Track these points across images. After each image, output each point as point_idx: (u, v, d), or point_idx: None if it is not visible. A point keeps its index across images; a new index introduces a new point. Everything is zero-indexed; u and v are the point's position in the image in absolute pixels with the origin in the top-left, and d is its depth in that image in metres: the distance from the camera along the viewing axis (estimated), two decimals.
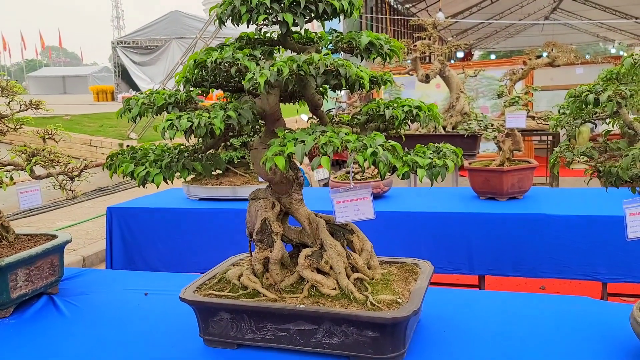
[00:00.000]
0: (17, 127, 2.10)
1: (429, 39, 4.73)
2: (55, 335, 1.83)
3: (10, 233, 2.21)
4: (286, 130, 1.49)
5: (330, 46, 1.59)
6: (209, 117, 1.37)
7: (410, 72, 4.85)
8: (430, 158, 1.46)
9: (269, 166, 1.35)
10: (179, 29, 24.88)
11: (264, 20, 1.41)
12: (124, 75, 27.47)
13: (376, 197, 3.52)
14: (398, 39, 14.93)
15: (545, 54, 6.42)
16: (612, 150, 1.34)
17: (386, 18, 12.90)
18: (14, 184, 2.12)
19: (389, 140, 1.40)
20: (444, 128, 4.72)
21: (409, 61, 5.49)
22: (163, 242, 3.75)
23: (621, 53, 33.30)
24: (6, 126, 2.14)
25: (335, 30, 1.59)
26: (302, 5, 1.39)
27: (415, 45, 4.66)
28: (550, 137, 7.23)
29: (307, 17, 1.48)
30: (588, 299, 1.88)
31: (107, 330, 1.84)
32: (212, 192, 3.73)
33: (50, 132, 2.04)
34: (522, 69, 6.30)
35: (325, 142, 1.31)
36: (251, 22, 1.47)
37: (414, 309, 1.47)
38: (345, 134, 1.38)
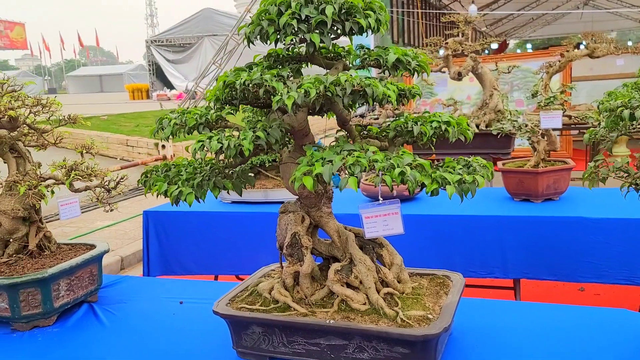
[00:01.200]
0: (57, 141, 2.17)
1: (461, 36, 4.66)
2: (96, 344, 1.90)
3: (52, 243, 2.30)
4: (314, 148, 1.50)
5: (358, 62, 1.59)
6: (238, 139, 1.40)
7: (442, 70, 4.79)
8: (459, 174, 1.45)
9: (297, 186, 1.37)
10: (211, 27, 25.17)
11: (290, 40, 1.42)
12: (158, 74, 27.98)
13: (407, 199, 3.50)
14: (430, 33, 14.72)
15: (584, 43, 6.23)
16: None
17: (418, 12, 12.74)
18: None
19: (417, 158, 1.40)
20: (477, 126, 4.65)
21: (441, 52, 5.41)
22: (197, 245, 3.83)
23: None
24: (46, 141, 2.22)
25: (363, 47, 1.59)
26: (329, 25, 1.39)
27: (447, 43, 4.59)
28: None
29: (334, 36, 1.48)
30: (626, 311, 1.84)
31: (144, 339, 1.90)
32: (244, 195, 3.75)
33: (87, 147, 2.11)
34: (559, 61, 6.14)
35: (353, 163, 1.32)
36: (279, 42, 1.48)
37: (445, 325, 1.47)
38: (373, 152, 1.39)
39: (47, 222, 2.33)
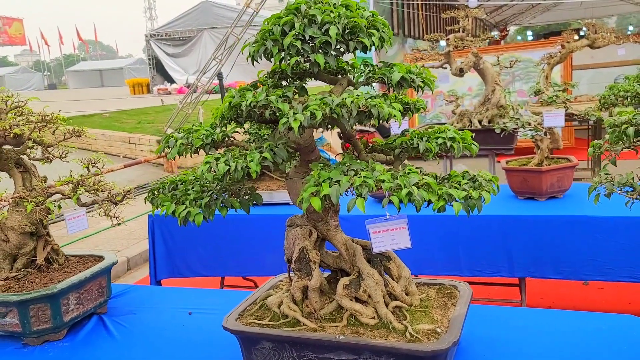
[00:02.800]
0: (63, 155, 2.18)
1: (462, 31, 4.64)
2: (107, 358, 1.92)
3: (60, 256, 2.31)
4: (321, 165, 1.51)
5: (362, 79, 1.59)
6: (245, 159, 1.40)
7: (444, 66, 4.77)
8: (465, 190, 1.46)
9: (305, 207, 1.37)
10: (210, 19, 25.07)
11: (295, 62, 1.43)
12: (158, 68, 27.93)
13: None
14: (430, 24, 14.61)
15: (585, 30, 6.20)
16: None
17: (417, 4, 12.66)
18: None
19: (424, 177, 1.40)
20: (480, 122, 4.64)
21: (442, 43, 5.37)
22: (204, 247, 3.85)
23: None
24: (52, 155, 2.22)
25: (367, 64, 1.59)
26: (333, 46, 1.39)
27: (448, 39, 4.58)
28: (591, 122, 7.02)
29: (337, 55, 1.48)
30: (632, 317, 1.85)
31: (155, 353, 1.92)
32: None
33: (93, 161, 2.12)
34: (560, 52, 6.12)
35: (360, 184, 1.33)
36: (283, 62, 1.48)
37: (454, 340, 1.49)
38: (380, 171, 1.39)
39: (51, 224, 2.34)
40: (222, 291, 2.45)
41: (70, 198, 2.10)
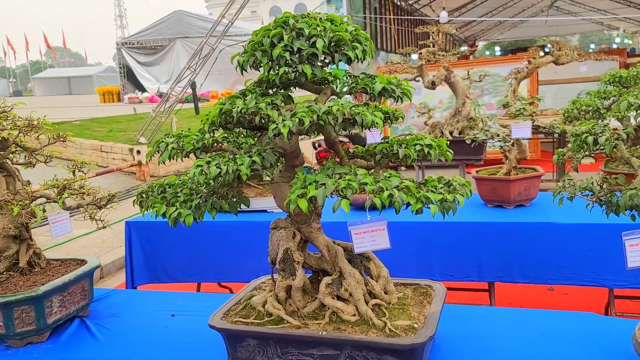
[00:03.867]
0: (48, 160, 2.21)
1: (434, 46, 4.81)
2: (90, 359, 1.95)
3: (42, 259, 2.33)
4: (306, 170, 1.59)
5: (345, 89, 1.69)
6: (235, 163, 1.48)
7: (417, 79, 4.94)
8: (441, 193, 1.56)
9: (293, 208, 1.46)
10: (183, 29, 25.02)
11: (284, 72, 1.51)
12: (129, 76, 27.65)
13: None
14: (403, 38, 14.94)
15: (549, 47, 6.48)
16: (611, 185, 1.44)
17: (390, 18, 12.94)
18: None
19: (404, 180, 1.50)
20: (451, 133, 4.81)
21: (415, 58, 5.54)
22: (182, 253, 3.87)
23: (626, 41, 33.12)
24: (36, 159, 2.25)
25: (350, 75, 1.69)
26: (320, 57, 1.49)
27: (421, 53, 4.74)
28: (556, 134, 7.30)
29: (323, 66, 1.58)
30: (593, 315, 1.98)
31: (139, 353, 1.96)
32: None
33: (79, 165, 2.16)
34: (526, 67, 6.37)
35: (345, 186, 1.42)
36: (271, 71, 1.57)
37: (430, 334, 1.58)
38: (363, 175, 1.49)
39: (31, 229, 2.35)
40: (204, 294, 2.50)
41: (55, 202, 2.13)
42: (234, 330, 1.73)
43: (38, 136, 2.26)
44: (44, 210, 2.17)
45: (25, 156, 2.27)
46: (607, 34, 37.91)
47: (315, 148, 8.43)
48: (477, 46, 30.37)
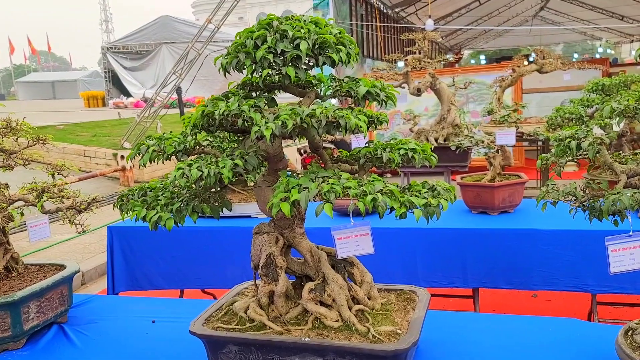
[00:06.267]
0: (26, 163, 2.17)
1: (419, 53, 4.83)
2: None
3: (19, 264, 2.28)
4: (289, 173, 1.58)
5: (330, 92, 1.68)
6: (217, 166, 1.46)
7: (402, 86, 4.95)
8: (425, 198, 1.56)
9: (275, 212, 1.44)
10: (169, 34, 24.93)
11: (267, 74, 1.50)
12: (115, 81, 27.45)
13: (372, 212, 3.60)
14: (389, 45, 15.03)
15: (533, 56, 6.55)
16: (594, 190, 1.44)
17: (376, 25, 13.01)
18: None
19: (387, 184, 1.49)
20: (436, 140, 4.82)
21: (401, 65, 5.57)
22: (164, 260, 3.82)
23: (608, 51, 33.71)
24: (15, 162, 2.21)
25: (335, 78, 1.68)
26: (303, 60, 1.48)
27: (406, 60, 4.76)
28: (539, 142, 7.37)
29: (307, 69, 1.56)
30: (576, 320, 1.99)
31: None
32: None
33: (58, 168, 2.11)
34: (511, 75, 6.44)
35: (328, 190, 1.40)
36: (255, 73, 1.55)
37: (413, 340, 1.57)
38: (346, 179, 1.47)
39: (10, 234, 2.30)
40: (185, 300, 2.47)
41: (34, 205, 2.08)
42: (215, 336, 1.70)
43: (17, 138, 2.21)
44: (22, 214, 2.12)
45: (3, 159, 2.23)
46: (591, 44, 38.55)
47: (301, 154, 8.42)
48: (462, 55, 30.67)
